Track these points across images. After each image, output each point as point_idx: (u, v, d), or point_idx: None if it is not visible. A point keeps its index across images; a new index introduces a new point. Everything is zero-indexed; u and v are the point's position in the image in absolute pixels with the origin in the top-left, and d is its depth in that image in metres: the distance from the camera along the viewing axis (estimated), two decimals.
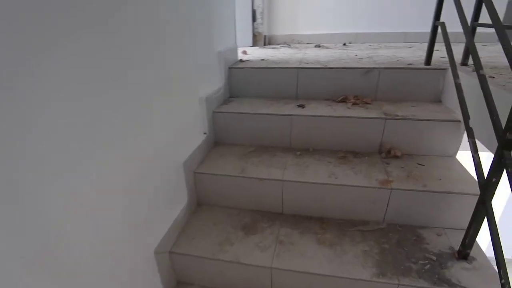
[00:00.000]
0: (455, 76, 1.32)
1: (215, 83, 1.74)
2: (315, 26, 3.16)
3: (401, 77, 1.74)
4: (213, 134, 1.73)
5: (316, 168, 1.44)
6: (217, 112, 1.68)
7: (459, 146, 1.55)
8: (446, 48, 1.41)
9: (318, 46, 2.88)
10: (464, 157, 1.55)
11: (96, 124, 0.80)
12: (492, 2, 1.08)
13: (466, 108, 1.19)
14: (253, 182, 1.40)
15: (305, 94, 1.86)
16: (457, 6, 1.31)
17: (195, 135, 1.51)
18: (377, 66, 1.76)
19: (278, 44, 3.24)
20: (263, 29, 3.07)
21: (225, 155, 1.60)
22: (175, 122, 1.26)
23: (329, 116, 1.57)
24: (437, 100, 1.74)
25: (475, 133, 1.12)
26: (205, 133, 1.60)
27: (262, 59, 2.16)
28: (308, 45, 3.08)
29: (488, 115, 0.99)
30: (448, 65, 1.70)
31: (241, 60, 2.12)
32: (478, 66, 1.08)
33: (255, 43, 3.15)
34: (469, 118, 1.16)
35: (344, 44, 2.95)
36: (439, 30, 1.58)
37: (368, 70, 1.75)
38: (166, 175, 1.22)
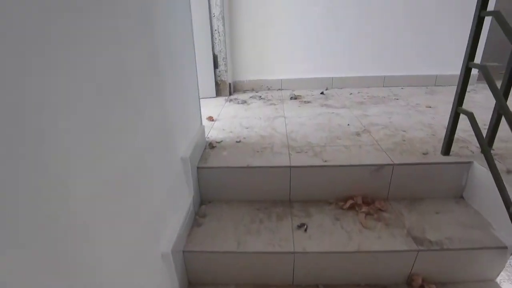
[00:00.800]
0: (502, 189, 1.00)
1: (180, 209, 1.23)
2: (287, 71, 2.77)
3: (416, 173, 1.40)
4: None
5: None
6: (188, 252, 1.18)
7: (502, 269, 1.25)
8: (477, 137, 1.09)
9: (294, 97, 2.49)
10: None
11: None
12: None
13: None
14: None
15: (301, 196, 1.44)
16: None
17: None
18: (386, 161, 1.40)
19: (246, 91, 2.79)
20: (227, 77, 2.60)
21: None
22: None
23: (344, 253, 1.16)
24: (458, 195, 1.44)
25: None
26: None
27: (238, 141, 1.69)
28: (282, 93, 2.68)
29: None
30: (472, 156, 1.40)
31: (211, 146, 1.63)
32: None
33: (219, 93, 2.66)
34: None
35: (322, 93, 2.60)
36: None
37: (379, 167, 1.38)
38: None
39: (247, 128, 1.89)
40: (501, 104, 1.06)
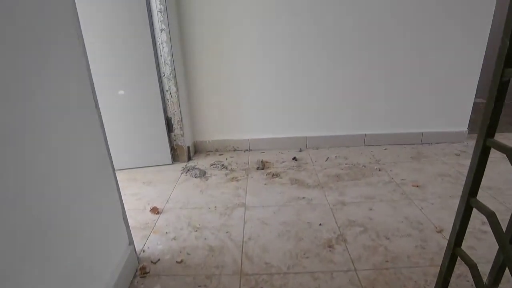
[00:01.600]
0: None
1: None
2: (255, 129, 2.42)
3: None
4: None
5: None
6: None
7: None
8: None
9: (261, 167, 2.13)
10: None
11: None
12: None
13: None
14: None
15: None
16: None
17: None
18: None
19: (209, 154, 2.42)
20: (183, 141, 2.23)
21: None
22: None
23: None
24: None
25: None
26: None
27: (179, 261, 1.30)
28: (249, 157, 2.32)
29: None
30: None
31: (143, 272, 1.24)
32: None
33: (176, 158, 2.29)
34: None
35: (295, 159, 2.26)
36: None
37: None
38: None
39: (196, 230, 1.51)
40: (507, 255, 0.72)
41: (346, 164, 2.17)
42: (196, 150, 2.48)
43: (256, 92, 2.31)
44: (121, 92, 2.01)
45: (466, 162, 2.09)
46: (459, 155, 2.23)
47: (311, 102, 2.33)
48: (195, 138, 2.46)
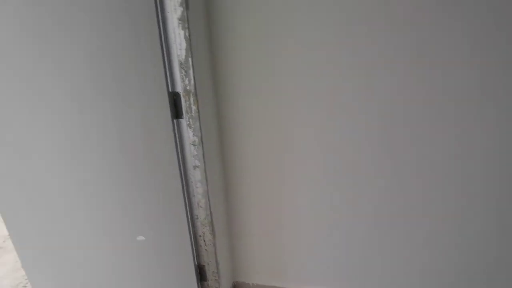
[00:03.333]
0: None
1: None
2: (317, 277, 1.71)
3: None
4: None
5: None
6: None
7: None
8: None
9: None
10: None
11: None
12: None
13: None
14: None
15: None
16: None
17: None
18: None
19: None
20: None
21: None
22: None
23: None
24: None
25: None
26: None
27: None
28: None
29: None
30: None
31: None
32: None
33: None
34: None
35: None
36: None
37: None
38: None
39: None
40: None
41: None
42: None
43: (328, 230, 1.59)
44: (140, 237, 1.50)
45: None
46: None
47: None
48: (235, 277, 1.85)
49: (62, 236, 1.55)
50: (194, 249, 1.55)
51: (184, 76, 1.21)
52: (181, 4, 1.09)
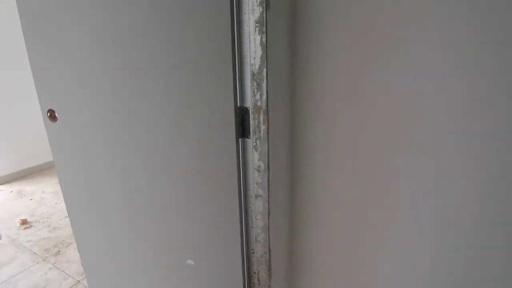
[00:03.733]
0: None
1: None
2: None
3: None
4: None
5: None
6: None
7: None
8: None
9: None
10: None
11: None
12: None
13: None
14: None
15: None
16: None
17: None
18: None
19: None
20: None
21: None
22: None
23: None
24: None
25: None
26: None
27: None
28: None
29: None
30: None
31: None
32: None
33: None
34: None
35: None
36: None
37: None
38: None
39: None
40: None
41: None
42: None
43: None
44: (190, 261, 1.36)
45: None
46: None
47: None
48: None
49: (119, 248, 1.52)
50: (246, 286, 1.34)
51: (255, 90, 1.02)
52: (260, 3, 0.90)
